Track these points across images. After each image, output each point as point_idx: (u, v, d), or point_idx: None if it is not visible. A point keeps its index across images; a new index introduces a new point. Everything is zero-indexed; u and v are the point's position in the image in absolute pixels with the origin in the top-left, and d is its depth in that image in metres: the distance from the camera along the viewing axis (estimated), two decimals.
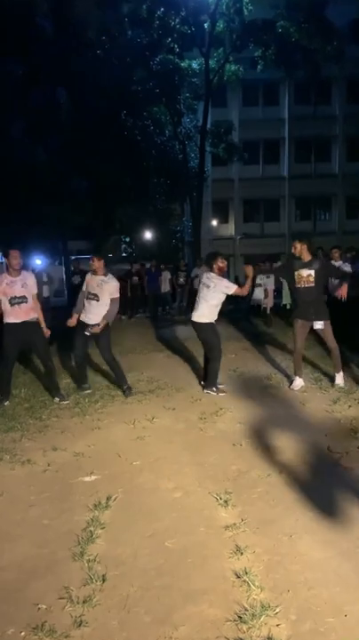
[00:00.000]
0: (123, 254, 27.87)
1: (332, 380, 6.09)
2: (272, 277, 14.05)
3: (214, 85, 22.80)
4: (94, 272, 5.97)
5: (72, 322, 6.03)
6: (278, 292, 12.86)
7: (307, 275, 5.66)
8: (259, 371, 7.00)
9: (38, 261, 18.28)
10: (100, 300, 5.85)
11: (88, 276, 6.09)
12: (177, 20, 21.02)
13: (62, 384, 6.45)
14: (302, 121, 28.93)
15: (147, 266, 15.31)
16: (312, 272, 5.64)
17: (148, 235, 26.03)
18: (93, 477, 3.74)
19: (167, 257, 21.42)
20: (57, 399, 5.75)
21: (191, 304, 14.81)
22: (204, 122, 22.32)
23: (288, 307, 12.59)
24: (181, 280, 14.73)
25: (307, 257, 5.68)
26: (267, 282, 13.47)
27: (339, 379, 5.93)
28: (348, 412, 5.07)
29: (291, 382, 6.09)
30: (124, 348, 9.10)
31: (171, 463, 3.93)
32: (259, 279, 14.12)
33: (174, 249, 26.16)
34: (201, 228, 22.77)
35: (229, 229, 30.78)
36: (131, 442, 4.45)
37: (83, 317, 5.94)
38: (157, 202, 23.97)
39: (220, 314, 6.07)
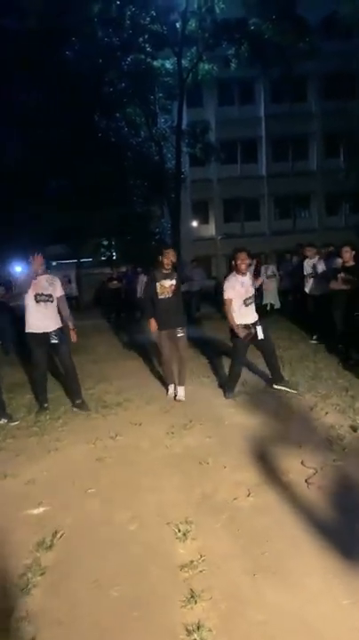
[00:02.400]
0: (102, 258, 27.39)
1: (310, 385, 5.79)
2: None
3: (188, 85, 22.50)
4: (36, 272, 5.38)
5: None
6: (258, 291, 12.55)
7: (169, 285, 5.58)
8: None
9: (18, 268, 17.77)
10: (55, 300, 5.48)
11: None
12: (147, 20, 20.70)
13: (24, 400, 6.07)
14: (279, 119, 28.73)
15: (124, 270, 14.97)
16: (174, 282, 5.59)
17: (128, 238, 25.66)
18: (41, 509, 3.36)
19: (148, 259, 21.00)
20: (4, 420, 5.27)
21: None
22: (179, 122, 22.02)
23: (268, 307, 12.26)
24: None
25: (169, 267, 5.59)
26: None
27: (182, 391, 5.73)
28: (325, 419, 4.74)
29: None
30: (98, 356, 8.74)
31: (130, 488, 3.56)
32: None
33: (155, 251, 25.72)
34: (180, 229, 22.43)
35: (210, 230, 30.48)
36: (89, 464, 4.07)
37: (39, 326, 5.38)
38: (136, 204, 23.59)
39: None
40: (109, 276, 15.39)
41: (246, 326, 5.51)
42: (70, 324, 5.56)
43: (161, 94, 22.47)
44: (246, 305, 5.53)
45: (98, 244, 27.42)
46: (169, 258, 5.57)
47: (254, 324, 5.54)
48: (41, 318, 5.35)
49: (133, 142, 22.98)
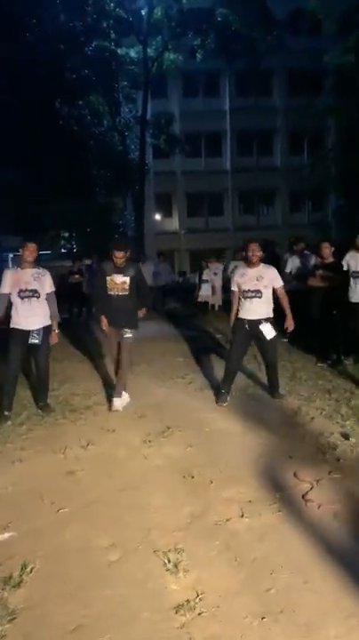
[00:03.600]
0: (63, 250, 26.56)
1: (291, 387, 5.53)
2: (220, 274, 13.54)
3: (153, 75, 22.05)
4: (24, 264, 5.00)
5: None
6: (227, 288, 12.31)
7: (121, 282, 5.11)
8: (211, 378, 6.32)
9: None
10: (41, 296, 4.99)
11: (10, 272, 5.07)
12: (112, 4, 20.08)
13: None
14: (244, 113, 28.52)
15: (88, 262, 14.36)
16: (127, 279, 5.10)
17: (88, 230, 24.90)
18: (7, 535, 2.93)
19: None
20: None
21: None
22: (144, 112, 21.54)
23: None
24: None
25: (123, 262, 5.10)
26: (214, 278, 12.91)
27: (117, 401, 5.13)
28: (312, 425, 4.47)
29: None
30: (60, 354, 8.23)
31: (108, 508, 3.18)
32: (206, 275, 13.59)
33: None
34: (144, 222, 21.98)
35: (173, 224, 30.08)
36: (59, 478, 3.65)
37: (20, 322, 4.92)
38: (98, 195, 22.92)
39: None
40: (70, 270, 14.79)
41: (243, 320, 5.12)
42: (54, 325, 5.11)
43: (125, 83, 21.84)
44: (245, 298, 5.09)
45: (57, 236, 26.56)
46: (121, 253, 5.05)
47: (256, 322, 5.08)
48: (25, 315, 4.90)
49: (96, 131, 22.29)
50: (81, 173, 20.87)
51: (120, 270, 5.09)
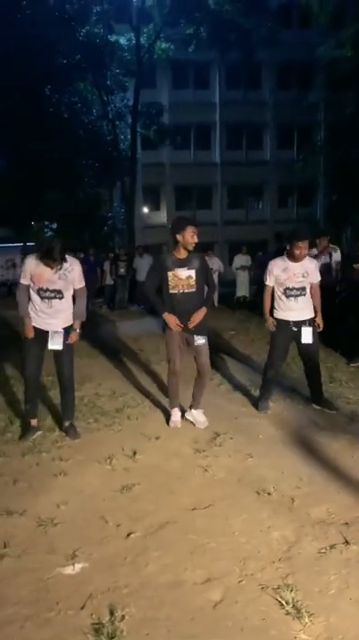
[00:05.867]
0: None
1: (332, 390, 5.20)
2: (218, 269, 13.16)
3: (144, 63, 21.51)
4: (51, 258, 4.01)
5: (29, 331, 4.18)
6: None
7: (186, 277, 4.30)
8: (236, 379, 5.97)
9: None
10: (65, 295, 4.20)
11: (32, 264, 4.09)
12: None
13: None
14: (233, 106, 28.16)
15: (82, 256, 13.89)
16: (192, 273, 4.30)
17: (72, 222, 24.18)
18: (78, 567, 2.52)
19: (100, 245, 19.87)
20: None
21: (133, 297, 13.73)
22: (136, 101, 21.00)
23: (241, 300, 11.68)
24: (122, 271, 13.42)
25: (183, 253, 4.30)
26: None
27: (200, 416, 4.51)
28: None
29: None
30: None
31: (184, 532, 2.79)
32: None
33: (106, 237, 24.56)
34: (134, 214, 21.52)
35: (161, 217, 29.54)
36: (115, 495, 3.25)
37: (37, 321, 4.21)
38: (87, 185, 22.31)
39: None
40: None
41: (284, 322, 4.64)
42: (76, 323, 4.29)
43: (117, 70, 21.26)
44: (288, 297, 4.59)
45: (43, 227, 25.83)
46: (191, 236, 4.19)
47: (301, 323, 4.63)
48: (44, 315, 4.16)
49: (85, 120, 21.67)
50: (69, 162, 20.26)
51: (183, 263, 4.27)
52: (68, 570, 2.50)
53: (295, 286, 4.60)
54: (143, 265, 12.70)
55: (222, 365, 6.53)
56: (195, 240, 4.20)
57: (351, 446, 3.87)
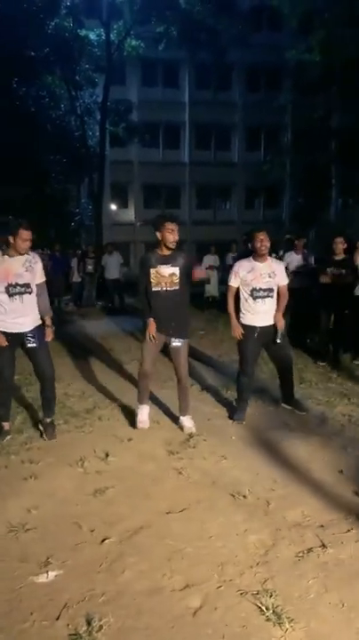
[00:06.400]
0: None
1: (304, 391, 5.23)
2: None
3: (114, 60, 21.29)
4: (14, 251, 3.92)
5: (1, 340, 3.94)
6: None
7: (169, 274, 4.18)
8: (208, 378, 5.96)
9: None
10: (33, 290, 4.03)
11: None
12: None
13: None
14: (203, 106, 28.12)
15: (48, 252, 13.66)
16: (176, 270, 4.16)
17: (36, 218, 23.73)
18: (52, 574, 2.44)
19: (66, 242, 19.54)
20: None
21: (100, 295, 13.57)
22: (105, 97, 20.73)
23: (211, 299, 11.71)
24: (90, 268, 13.25)
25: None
26: None
27: (188, 422, 4.38)
28: (346, 434, 4.20)
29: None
30: None
31: (160, 536, 2.74)
32: None
33: (72, 233, 24.21)
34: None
35: (129, 215, 29.33)
36: (88, 498, 3.17)
37: (9, 324, 3.95)
38: (54, 181, 21.93)
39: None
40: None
41: (251, 328, 4.49)
42: (48, 319, 4.15)
43: (87, 66, 20.97)
44: (255, 298, 4.43)
45: (4, 224, 25.26)
46: (170, 233, 4.09)
47: (268, 329, 4.51)
48: (15, 316, 3.94)
49: (53, 115, 21.29)
50: (36, 157, 19.86)
51: (166, 260, 4.15)
52: (42, 578, 2.42)
53: (262, 287, 4.44)
54: (112, 262, 12.59)
55: (193, 366, 6.49)
56: (176, 237, 4.13)
57: (322, 448, 3.90)
